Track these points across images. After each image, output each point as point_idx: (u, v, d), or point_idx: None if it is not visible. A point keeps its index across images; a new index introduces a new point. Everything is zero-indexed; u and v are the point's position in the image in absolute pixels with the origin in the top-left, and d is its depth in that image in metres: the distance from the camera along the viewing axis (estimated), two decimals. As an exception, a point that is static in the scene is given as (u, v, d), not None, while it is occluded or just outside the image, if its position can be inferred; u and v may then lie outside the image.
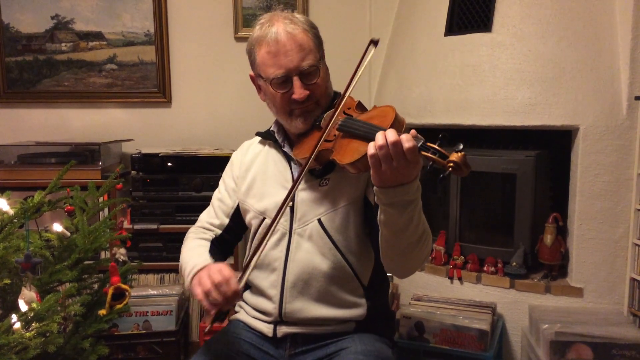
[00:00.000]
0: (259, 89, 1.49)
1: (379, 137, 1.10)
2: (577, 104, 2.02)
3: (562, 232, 2.16)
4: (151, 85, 2.95)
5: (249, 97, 2.96)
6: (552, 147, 2.27)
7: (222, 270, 1.23)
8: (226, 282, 1.20)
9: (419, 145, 1.09)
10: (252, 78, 1.49)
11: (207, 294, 1.21)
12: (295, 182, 1.34)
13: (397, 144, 1.08)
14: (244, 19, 2.92)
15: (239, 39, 2.94)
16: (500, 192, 2.34)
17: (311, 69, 1.38)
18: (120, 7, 2.89)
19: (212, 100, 2.99)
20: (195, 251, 1.46)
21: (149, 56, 2.93)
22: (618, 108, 1.99)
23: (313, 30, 1.42)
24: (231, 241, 1.60)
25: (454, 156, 1.05)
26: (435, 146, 1.09)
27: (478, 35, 2.22)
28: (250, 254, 1.35)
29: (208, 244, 1.52)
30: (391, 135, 1.09)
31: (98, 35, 2.91)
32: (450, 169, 1.05)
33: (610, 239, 2.04)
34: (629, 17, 1.96)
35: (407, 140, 1.08)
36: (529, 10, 2.12)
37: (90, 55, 2.92)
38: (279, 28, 1.36)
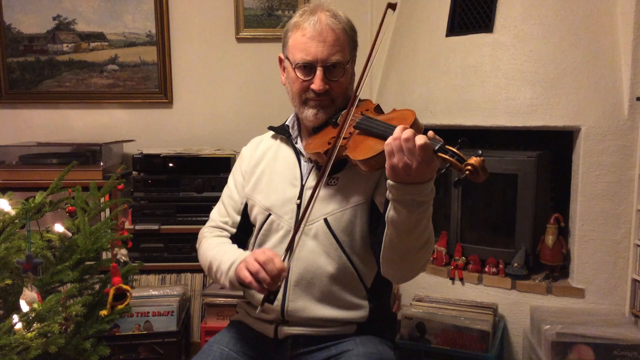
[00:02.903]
0: (283, 71, 1.50)
1: (398, 130, 1.11)
2: (578, 105, 2.02)
3: (563, 233, 2.16)
4: (152, 85, 2.96)
5: (251, 98, 3.00)
6: (553, 147, 2.26)
7: (266, 251, 1.25)
8: (271, 261, 1.22)
9: (437, 146, 1.09)
10: (280, 60, 1.51)
11: (255, 275, 1.23)
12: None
13: (410, 139, 1.08)
14: (245, 20, 2.93)
15: (240, 40, 2.94)
16: (502, 192, 2.34)
17: (337, 66, 1.39)
18: (121, 8, 2.89)
19: (214, 101, 3.00)
20: (225, 247, 1.46)
21: (150, 57, 2.94)
22: (620, 109, 1.99)
23: (352, 32, 1.45)
24: (243, 237, 1.59)
25: (473, 160, 1.05)
26: (454, 149, 1.09)
27: (479, 36, 2.22)
28: (292, 232, 1.35)
29: (228, 241, 1.52)
30: (408, 131, 1.10)
31: (99, 36, 2.92)
32: (468, 172, 1.05)
33: (611, 239, 2.04)
34: (631, 17, 1.96)
35: (420, 138, 1.08)
36: (531, 11, 2.12)
37: (91, 56, 2.93)
38: (320, 17, 1.39)
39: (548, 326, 1.89)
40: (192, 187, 2.61)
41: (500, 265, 2.23)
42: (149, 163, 2.62)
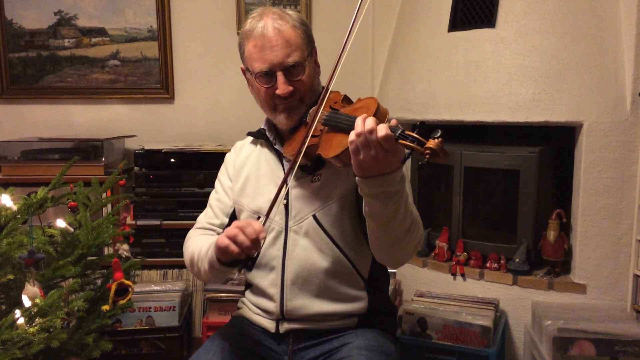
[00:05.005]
0: (248, 82, 1.50)
1: (358, 124, 1.11)
2: (580, 100, 2.01)
3: (565, 229, 2.16)
4: (154, 81, 2.95)
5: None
6: (555, 143, 2.26)
7: (243, 220, 1.25)
8: (249, 224, 1.20)
9: (397, 134, 1.10)
10: (242, 71, 1.50)
11: (234, 238, 1.20)
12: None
13: (374, 131, 1.09)
14: (247, 15, 2.92)
15: (241, 35, 2.94)
16: (504, 188, 2.33)
17: (296, 66, 1.38)
18: (123, 3, 2.89)
19: (215, 96, 2.99)
20: (203, 240, 1.45)
21: (151, 52, 2.93)
22: (622, 104, 1.98)
23: (303, 27, 1.41)
24: None
25: (431, 143, 1.06)
26: (414, 134, 1.09)
27: (481, 31, 2.21)
28: (272, 199, 1.31)
29: (215, 235, 1.51)
30: (369, 123, 1.10)
31: (101, 31, 2.91)
32: (428, 155, 1.06)
33: (613, 235, 2.03)
34: (633, 12, 1.95)
35: (382, 129, 1.09)
36: (533, 6, 2.11)
37: (93, 51, 2.93)
38: (266, 23, 1.37)
39: (549, 322, 1.89)
40: (193, 182, 2.61)
41: (502, 261, 2.23)
42: (151, 158, 2.62)
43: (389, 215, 1.19)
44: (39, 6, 2.86)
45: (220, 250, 1.25)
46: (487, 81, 2.16)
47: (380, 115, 1.22)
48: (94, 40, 2.92)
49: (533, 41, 2.09)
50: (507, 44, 2.14)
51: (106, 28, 2.91)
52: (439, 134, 1.06)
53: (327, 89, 1.35)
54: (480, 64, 2.19)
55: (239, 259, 1.23)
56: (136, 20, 2.91)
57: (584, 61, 2.02)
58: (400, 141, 1.10)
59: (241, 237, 1.19)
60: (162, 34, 2.91)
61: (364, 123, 1.10)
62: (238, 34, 2.93)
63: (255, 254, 1.23)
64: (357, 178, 1.17)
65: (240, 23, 2.92)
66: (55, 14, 2.88)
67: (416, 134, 1.09)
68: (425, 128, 1.10)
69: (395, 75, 2.67)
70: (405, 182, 1.20)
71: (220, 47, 2.96)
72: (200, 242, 1.45)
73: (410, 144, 1.08)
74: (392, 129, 1.10)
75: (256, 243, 1.19)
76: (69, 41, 2.91)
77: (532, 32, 2.10)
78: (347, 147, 1.16)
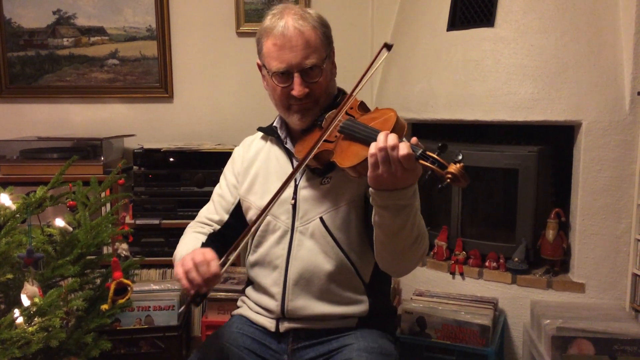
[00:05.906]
0: (263, 77, 1.49)
1: (381, 138, 1.11)
2: (579, 99, 2.01)
3: (564, 228, 2.16)
4: (153, 80, 2.95)
5: (251, 92, 2.98)
6: (554, 142, 2.26)
7: (205, 253, 1.24)
8: (207, 263, 1.22)
9: (417, 154, 1.09)
10: (258, 66, 1.49)
11: (187, 273, 1.23)
12: (289, 177, 1.33)
13: (396, 148, 1.08)
14: (246, 14, 2.92)
15: (241, 34, 2.94)
16: (503, 187, 2.33)
17: (314, 68, 1.37)
18: (121, 2, 2.89)
19: (214, 96, 2.99)
20: (189, 244, 1.47)
21: (150, 51, 2.93)
22: (621, 103, 1.99)
23: (323, 29, 1.41)
24: (231, 237, 1.59)
25: (453, 167, 1.04)
26: (435, 155, 1.08)
27: (480, 30, 2.21)
28: (237, 240, 1.34)
29: (204, 237, 1.52)
30: (392, 139, 1.10)
31: (100, 31, 2.91)
32: (449, 179, 1.05)
33: (612, 234, 2.04)
34: (632, 11, 1.95)
35: (403, 148, 1.08)
36: (532, 5, 2.11)
37: (92, 51, 2.92)
38: (287, 22, 1.36)
39: (548, 321, 1.89)
40: (193, 181, 2.61)
41: (501, 260, 2.23)
42: (150, 158, 2.61)
43: (397, 227, 1.19)
44: (37, 5, 2.86)
45: (175, 276, 1.27)
46: (486, 80, 2.16)
47: (399, 128, 1.21)
48: (92, 39, 2.92)
49: (532, 40, 2.09)
50: (506, 43, 2.14)
51: (105, 27, 2.91)
52: (460, 158, 1.05)
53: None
54: (479, 63, 2.19)
55: (189, 293, 1.26)
56: (135, 19, 2.90)
57: (582, 60, 2.02)
58: (421, 161, 1.09)
59: (193, 274, 1.22)
60: (161, 33, 2.90)
61: (386, 138, 1.10)
62: (238, 33, 2.93)
63: (205, 291, 1.24)
64: (370, 189, 1.17)
65: (239, 22, 2.92)
66: (54, 13, 2.87)
67: (437, 155, 1.08)
68: (447, 150, 1.09)
69: (395, 74, 2.67)
70: (417, 196, 1.20)
71: (219, 46, 2.96)
72: (183, 246, 1.48)
73: (431, 166, 1.08)
74: (413, 147, 1.10)
75: (208, 282, 1.21)
76: (67, 40, 2.91)
77: (531, 32, 2.10)
78: (364, 159, 1.16)
